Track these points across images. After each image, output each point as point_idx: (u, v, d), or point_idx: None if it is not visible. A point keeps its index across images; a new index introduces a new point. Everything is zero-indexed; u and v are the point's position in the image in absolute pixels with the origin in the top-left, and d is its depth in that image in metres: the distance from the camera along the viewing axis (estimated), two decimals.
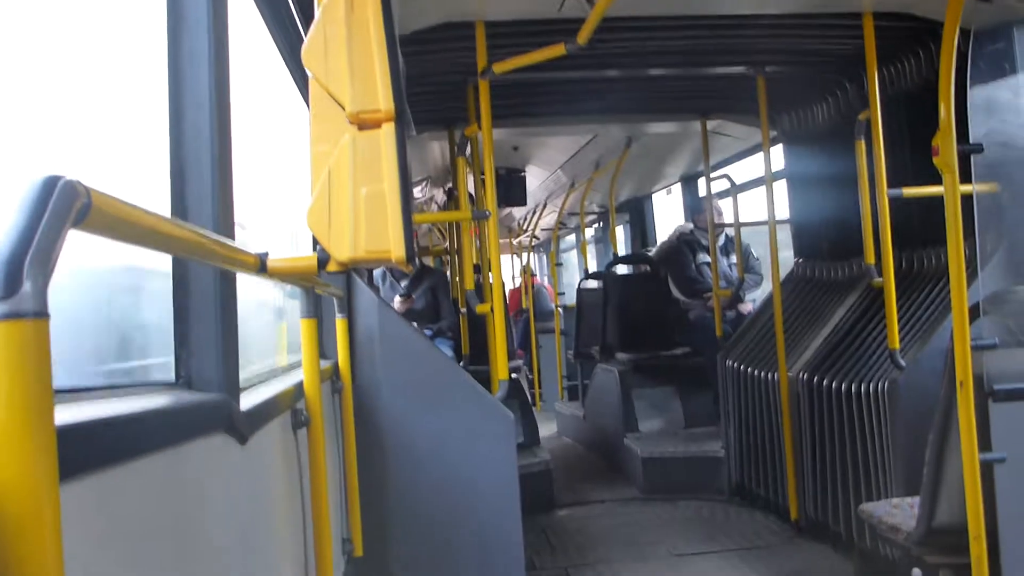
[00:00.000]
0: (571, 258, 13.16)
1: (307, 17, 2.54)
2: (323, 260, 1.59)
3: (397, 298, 5.91)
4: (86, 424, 0.88)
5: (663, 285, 6.61)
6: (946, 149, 2.43)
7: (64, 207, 0.69)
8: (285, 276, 1.72)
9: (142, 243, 0.95)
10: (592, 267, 9.80)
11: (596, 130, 6.27)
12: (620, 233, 9.70)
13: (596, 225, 11.11)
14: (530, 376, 10.32)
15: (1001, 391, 2.41)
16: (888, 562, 3.59)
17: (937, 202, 2.61)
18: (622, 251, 9.24)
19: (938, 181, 2.55)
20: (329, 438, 2.39)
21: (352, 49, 1.50)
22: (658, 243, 7.71)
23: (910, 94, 4.06)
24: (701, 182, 6.77)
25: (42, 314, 0.63)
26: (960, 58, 2.48)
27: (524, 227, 11.72)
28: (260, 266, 1.55)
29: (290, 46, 2.67)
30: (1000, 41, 2.42)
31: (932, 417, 2.62)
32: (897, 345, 3.59)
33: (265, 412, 1.72)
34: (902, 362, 3.57)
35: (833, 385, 4.04)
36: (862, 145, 3.87)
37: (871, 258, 3.87)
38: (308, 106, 1.59)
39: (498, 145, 6.79)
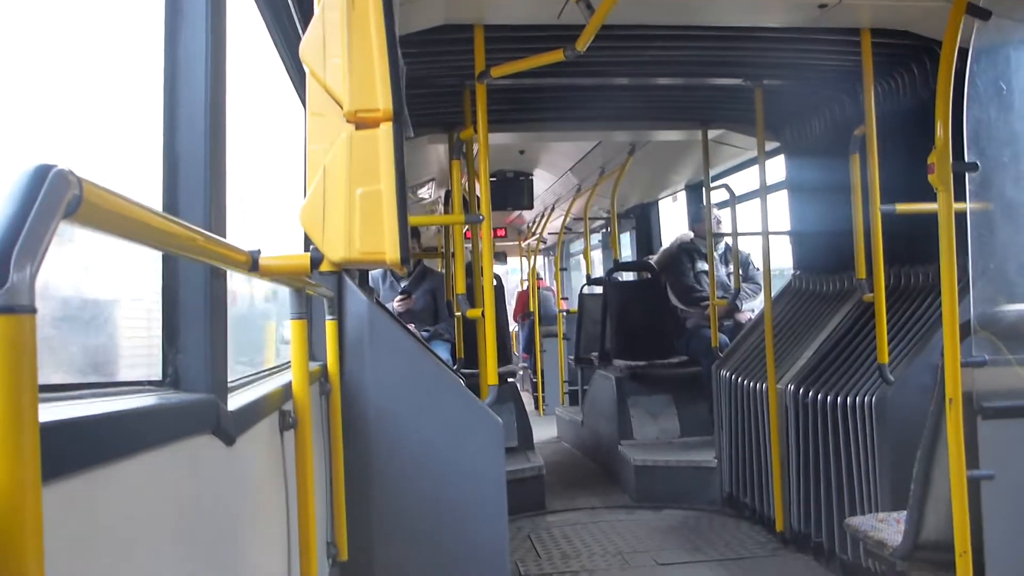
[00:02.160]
0: (580, 263, 13.17)
1: (305, 13, 2.52)
2: (316, 260, 1.57)
3: (397, 298, 5.89)
4: (71, 423, 0.86)
5: (663, 293, 6.62)
6: (942, 167, 2.43)
7: (55, 198, 0.67)
8: (276, 275, 1.70)
9: (133, 238, 0.93)
10: (596, 273, 9.81)
11: (598, 137, 6.27)
12: (626, 239, 9.71)
13: (603, 231, 11.12)
14: (534, 380, 10.34)
15: (990, 409, 2.41)
16: None
17: (927, 219, 2.61)
18: (628, 258, 9.26)
19: (930, 198, 2.56)
20: (316, 441, 2.36)
21: (351, 47, 1.48)
22: (659, 250, 7.72)
23: (905, 111, 4.08)
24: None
25: (29, 308, 0.62)
26: (957, 77, 2.49)
27: (533, 230, 11.73)
28: (252, 264, 1.52)
29: (288, 43, 2.65)
30: (998, 61, 2.43)
31: (920, 432, 2.62)
32: (887, 359, 3.60)
33: (252, 413, 1.69)
34: (891, 377, 3.58)
35: (820, 397, 4.04)
36: (857, 160, 3.88)
37: (862, 272, 3.88)
38: (304, 104, 1.57)
39: (504, 148, 6.79)
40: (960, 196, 2.44)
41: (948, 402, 2.40)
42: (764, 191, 4.73)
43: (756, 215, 5.01)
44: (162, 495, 1.14)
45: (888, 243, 3.66)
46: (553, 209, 10.04)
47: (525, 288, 12.41)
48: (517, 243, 12.97)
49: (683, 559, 4.29)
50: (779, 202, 5.57)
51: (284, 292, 2.16)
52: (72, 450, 0.84)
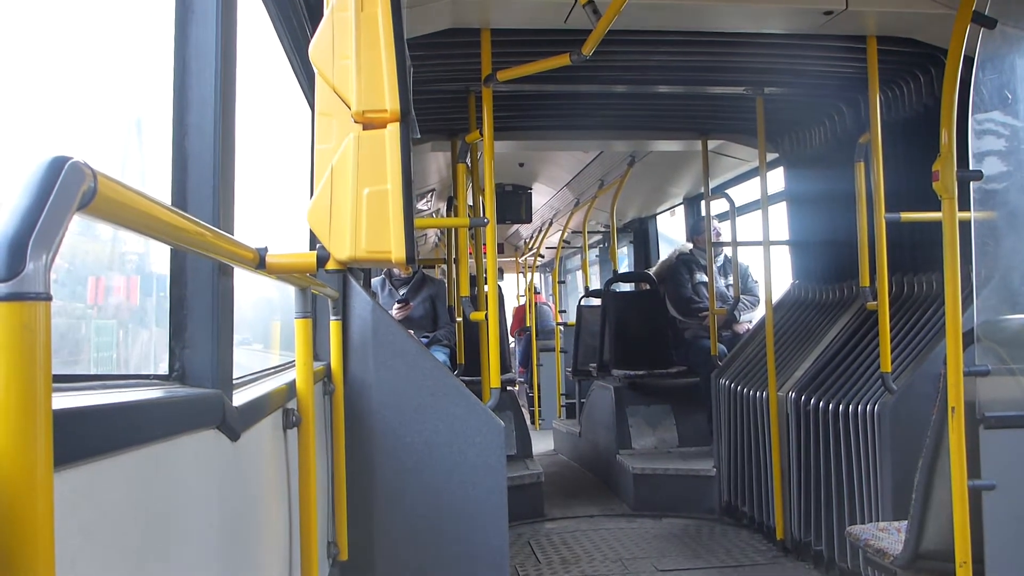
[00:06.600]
0: (577, 277, 13.13)
1: (314, 15, 2.54)
2: (322, 258, 1.58)
3: (396, 306, 5.90)
4: (82, 411, 0.87)
5: (661, 304, 6.63)
6: (946, 175, 2.43)
7: (70, 190, 0.68)
8: (283, 273, 1.71)
9: (144, 232, 0.94)
10: (594, 285, 9.79)
11: (599, 146, 6.29)
12: (624, 253, 9.69)
13: (601, 246, 11.12)
14: (530, 393, 10.28)
15: (992, 418, 2.41)
16: None
17: (931, 227, 2.61)
18: (624, 270, 9.24)
19: (932, 206, 2.56)
20: (319, 440, 2.37)
21: (360, 48, 1.50)
22: (658, 262, 7.72)
23: (909, 119, 4.09)
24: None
25: (44, 296, 0.63)
26: (962, 85, 2.50)
27: (530, 246, 11.73)
28: (259, 262, 1.54)
29: (296, 44, 2.67)
30: (1004, 69, 2.44)
31: (921, 441, 2.62)
32: (889, 368, 3.60)
33: (257, 410, 1.70)
34: (894, 386, 3.57)
35: (822, 405, 4.04)
36: (861, 168, 3.89)
37: (866, 280, 3.88)
38: (311, 105, 1.59)
39: (504, 160, 6.80)
40: (964, 204, 2.44)
41: (950, 411, 2.40)
42: (765, 201, 4.73)
43: (754, 227, 5.03)
44: (167, 487, 1.15)
45: (891, 251, 3.67)
46: (551, 224, 10.05)
47: (522, 303, 12.38)
48: (514, 259, 12.98)
49: (683, 566, 4.28)
50: (777, 214, 5.58)
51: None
52: (82, 438, 0.85)
